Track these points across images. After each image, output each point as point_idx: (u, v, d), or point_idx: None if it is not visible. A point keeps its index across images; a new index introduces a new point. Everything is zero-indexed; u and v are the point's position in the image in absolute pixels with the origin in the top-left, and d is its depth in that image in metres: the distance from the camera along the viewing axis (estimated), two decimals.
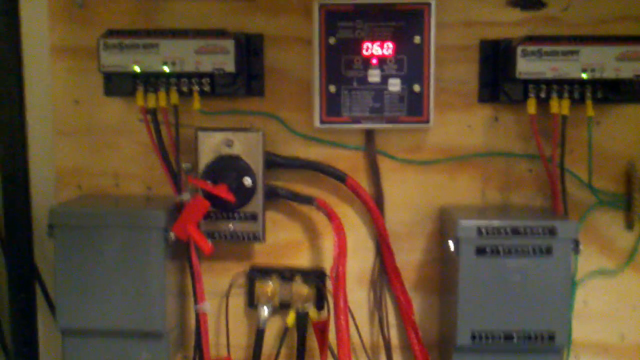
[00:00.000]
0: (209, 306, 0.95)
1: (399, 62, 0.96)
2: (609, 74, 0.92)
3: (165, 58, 0.91)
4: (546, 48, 0.92)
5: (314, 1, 0.95)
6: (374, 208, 1.00)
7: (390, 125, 0.97)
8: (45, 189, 1.06)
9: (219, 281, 1.03)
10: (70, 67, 1.01)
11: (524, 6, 0.99)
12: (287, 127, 1.01)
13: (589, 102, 0.95)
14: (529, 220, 0.91)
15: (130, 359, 0.92)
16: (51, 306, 1.06)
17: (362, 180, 1.01)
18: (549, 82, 0.94)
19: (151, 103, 0.95)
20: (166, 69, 0.92)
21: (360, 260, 1.03)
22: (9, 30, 1.02)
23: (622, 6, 0.98)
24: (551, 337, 0.91)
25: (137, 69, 0.92)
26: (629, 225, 1.02)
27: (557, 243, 0.90)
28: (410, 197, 1.02)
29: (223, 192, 0.91)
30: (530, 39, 0.92)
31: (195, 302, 0.94)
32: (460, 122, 1.01)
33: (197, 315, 0.94)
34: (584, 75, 0.92)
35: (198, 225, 0.92)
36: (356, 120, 0.97)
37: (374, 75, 0.96)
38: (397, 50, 0.96)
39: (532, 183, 1.02)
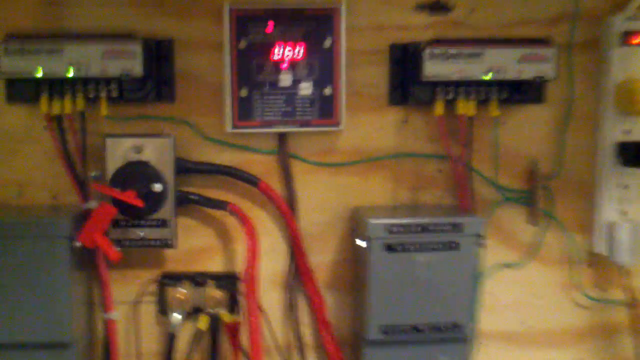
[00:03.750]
0: (117, 314, 0.94)
1: (309, 65, 0.97)
2: (511, 75, 0.95)
3: (70, 62, 0.90)
4: (452, 50, 0.95)
5: (224, 4, 0.95)
6: (286, 211, 1.00)
7: (302, 129, 0.98)
8: None
9: (130, 289, 1.01)
10: None
11: (431, 10, 1.02)
12: (199, 132, 1.00)
13: (493, 103, 0.98)
14: (436, 218, 0.94)
15: None
16: None
17: (275, 184, 1.02)
18: (455, 84, 0.97)
19: (56, 109, 0.92)
20: (71, 73, 0.90)
21: (273, 262, 1.03)
22: None
23: (524, 10, 1.02)
24: (457, 328, 0.94)
25: (40, 74, 0.89)
26: (532, 220, 1.06)
27: (463, 238, 0.93)
28: (323, 199, 1.03)
29: (131, 198, 0.90)
30: (437, 42, 0.95)
31: (104, 310, 0.93)
32: (371, 125, 1.03)
33: (106, 324, 0.93)
34: (488, 77, 0.95)
35: (105, 233, 0.90)
36: (268, 124, 0.98)
37: (285, 79, 0.97)
38: (307, 54, 0.97)
39: (441, 182, 1.04)
